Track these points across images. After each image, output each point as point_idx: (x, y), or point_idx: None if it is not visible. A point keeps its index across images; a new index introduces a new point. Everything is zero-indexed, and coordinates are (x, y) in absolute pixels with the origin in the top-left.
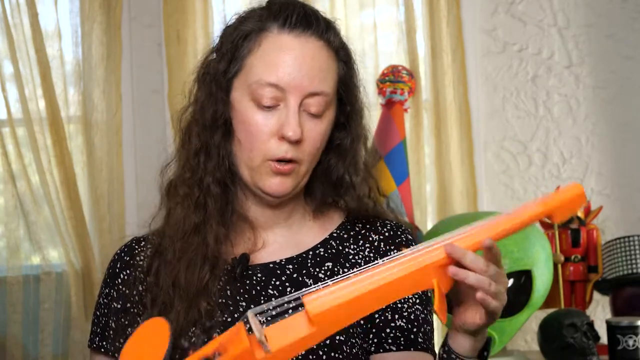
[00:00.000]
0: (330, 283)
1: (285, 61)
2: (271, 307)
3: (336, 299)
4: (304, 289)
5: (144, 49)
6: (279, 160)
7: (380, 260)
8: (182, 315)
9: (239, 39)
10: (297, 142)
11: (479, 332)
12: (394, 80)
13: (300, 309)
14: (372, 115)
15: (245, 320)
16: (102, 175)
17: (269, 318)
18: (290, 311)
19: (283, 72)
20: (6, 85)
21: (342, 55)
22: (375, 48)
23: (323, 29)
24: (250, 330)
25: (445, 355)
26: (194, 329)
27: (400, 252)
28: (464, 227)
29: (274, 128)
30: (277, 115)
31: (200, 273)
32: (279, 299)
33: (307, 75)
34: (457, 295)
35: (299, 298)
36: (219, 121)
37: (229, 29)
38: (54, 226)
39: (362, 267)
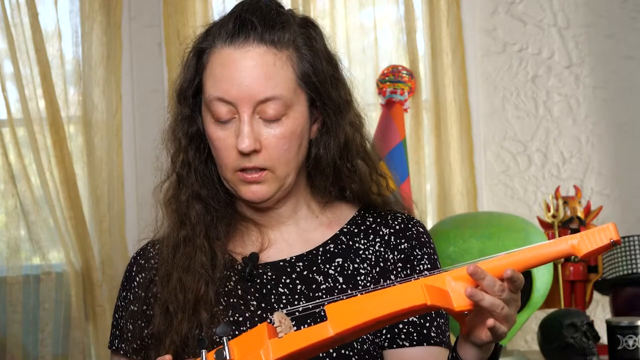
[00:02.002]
0: (355, 295)
1: (229, 75)
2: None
3: (359, 317)
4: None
5: (144, 49)
6: (246, 169)
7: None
8: (185, 326)
9: (194, 55)
10: (255, 152)
11: (484, 346)
12: (394, 80)
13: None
14: (372, 115)
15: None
16: (102, 175)
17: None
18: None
19: (227, 86)
20: (6, 85)
21: (303, 51)
22: (375, 48)
23: (262, 32)
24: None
25: None
26: (199, 332)
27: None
28: (494, 255)
29: (232, 141)
30: (233, 128)
31: (197, 284)
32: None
33: (252, 85)
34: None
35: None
36: (188, 138)
37: (193, 43)
38: (54, 226)
39: (379, 285)
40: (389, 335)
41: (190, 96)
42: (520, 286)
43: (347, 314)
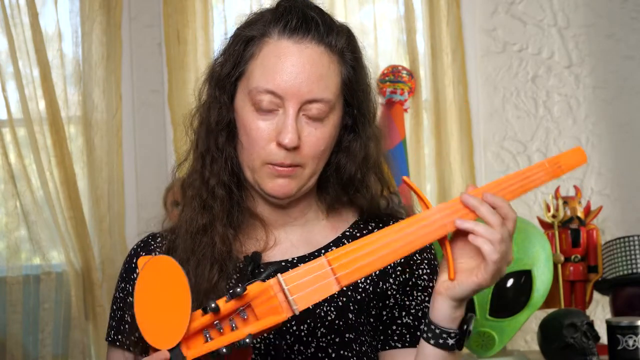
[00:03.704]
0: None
1: (283, 68)
2: (300, 274)
3: (367, 271)
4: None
5: (144, 49)
6: (279, 165)
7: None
8: None
9: (242, 42)
10: (294, 149)
11: (465, 298)
12: (394, 80)
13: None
14: None
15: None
16: (102, 175)
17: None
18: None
19: (280, 79)
20: (6, 85)
21: (348, 58)
22: (375, 48)
23: (323, 33)
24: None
25: (425, 329)
26: None
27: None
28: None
29: (272, 133)
30: (275, 120)
31: (210, 273)
32: (308, 265)
33: (305, 83)
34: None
35: (323, 260)
36: (223, 124)
37: (238, 30)
38: (54, 226)
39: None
40: (382, 337)
41: (229, 82)
42: (511, 216)
43: (353, 266)
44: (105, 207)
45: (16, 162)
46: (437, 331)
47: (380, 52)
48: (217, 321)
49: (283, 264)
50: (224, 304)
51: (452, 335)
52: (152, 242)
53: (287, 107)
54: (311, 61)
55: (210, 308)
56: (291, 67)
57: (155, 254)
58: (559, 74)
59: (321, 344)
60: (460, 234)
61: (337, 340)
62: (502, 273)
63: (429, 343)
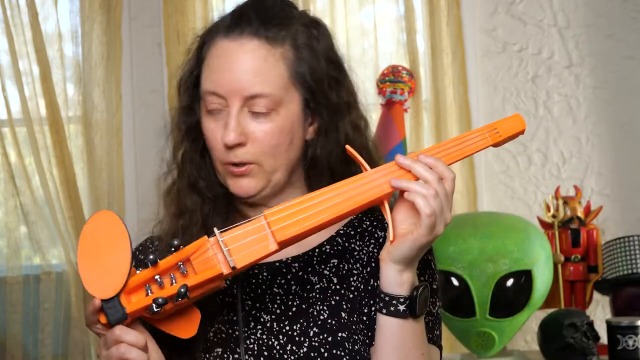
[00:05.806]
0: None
1: (220, 67)
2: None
3: (301, 228)
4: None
5: (144, 49)
6: (233, 164)
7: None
8: None
9: (198, 48)
10: (239, 145)
11: (406, 259)
12: (394, 80)
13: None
14: (372, 115)
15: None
16: (102, 175)
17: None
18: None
19: (218, 78)
20: (6, 85)
21: (301, 51)
22: (375, 48)
23: (258, 27)
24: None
25: (377, 299)
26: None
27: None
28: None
29: (221, 134)
30: (223, 120)
31: None
32: (247, 226)
33: (242, 79)
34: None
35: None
36: (189, 129)
37: (199, 36)
38: (54, 226)
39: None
40: (370, 334)
41: (191, 87)
42: (448, 175)
43: (293, 240)
44: (105, 207)
45: (16, 162)
46: (387, 299)
47: (380, 52)
48: (157, 276)
49: (277, 264)
50: (163, 260)
51: (402, 300)
52: (151, 246)
53: (230, 105)
54: (247, 56)
55: (149, 260)
56: (228, 63)
57: None
58: (559, 74)
59: (314, 343)
60: (401, 203)
61: (329, 339)
62: (437, 231)
63: (382, 313)
